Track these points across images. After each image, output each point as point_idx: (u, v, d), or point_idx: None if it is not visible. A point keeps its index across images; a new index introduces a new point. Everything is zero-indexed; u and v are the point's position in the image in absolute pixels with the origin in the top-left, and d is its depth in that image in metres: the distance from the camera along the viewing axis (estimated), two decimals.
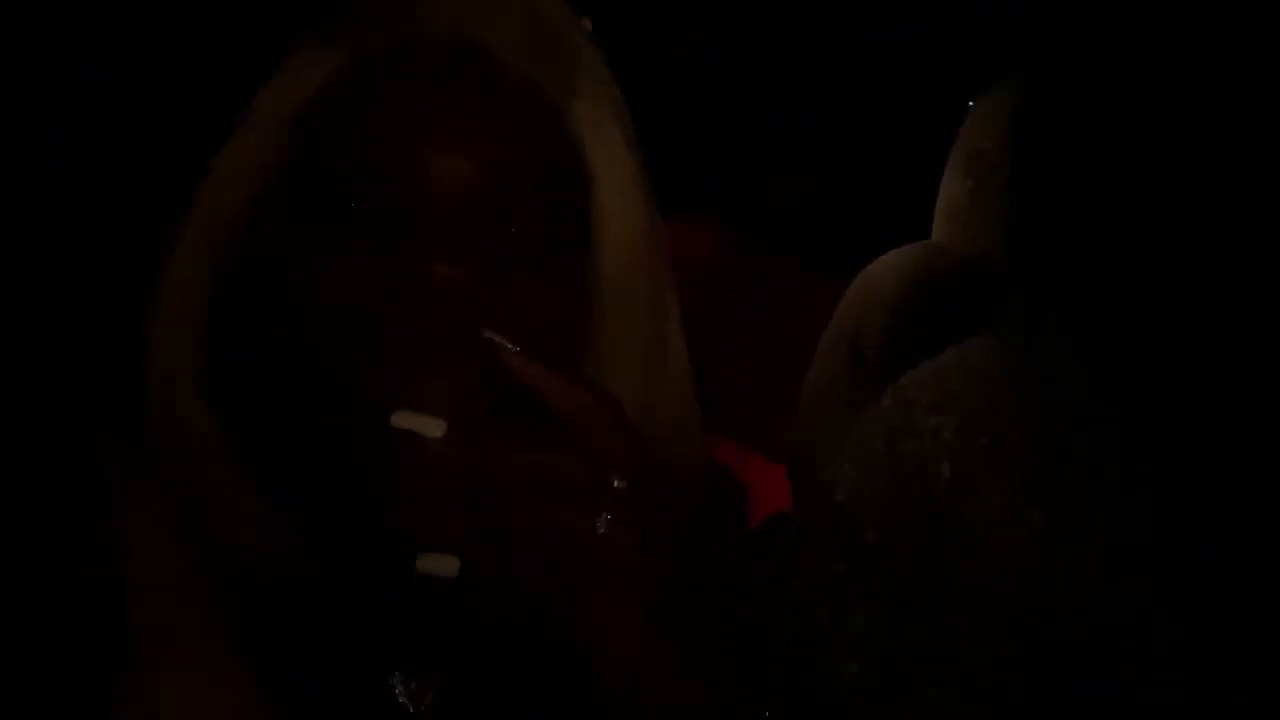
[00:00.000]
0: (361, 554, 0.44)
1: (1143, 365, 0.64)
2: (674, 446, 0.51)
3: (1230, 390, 0.59)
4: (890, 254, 1.03)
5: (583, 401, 0.42)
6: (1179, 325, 0.63)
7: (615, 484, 0.40)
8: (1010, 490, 0.64)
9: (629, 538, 0.40)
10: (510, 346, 0.42)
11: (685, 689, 0.41)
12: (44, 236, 0.62)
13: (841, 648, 0.67)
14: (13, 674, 0.41)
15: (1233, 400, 0.59)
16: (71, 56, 0.67)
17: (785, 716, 0.60)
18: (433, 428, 0.39)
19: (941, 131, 1.05)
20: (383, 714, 0.45)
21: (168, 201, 0.49)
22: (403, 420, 0.40)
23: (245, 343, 0.46)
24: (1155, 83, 0.82)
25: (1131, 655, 0.59)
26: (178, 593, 0.44)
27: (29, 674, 0.41)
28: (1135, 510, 0.60)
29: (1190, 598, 0.58)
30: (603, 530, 0.39)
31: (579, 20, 0.51)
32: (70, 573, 0.43)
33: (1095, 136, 0.96)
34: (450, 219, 0.44)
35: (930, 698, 0.63)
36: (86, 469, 0.45)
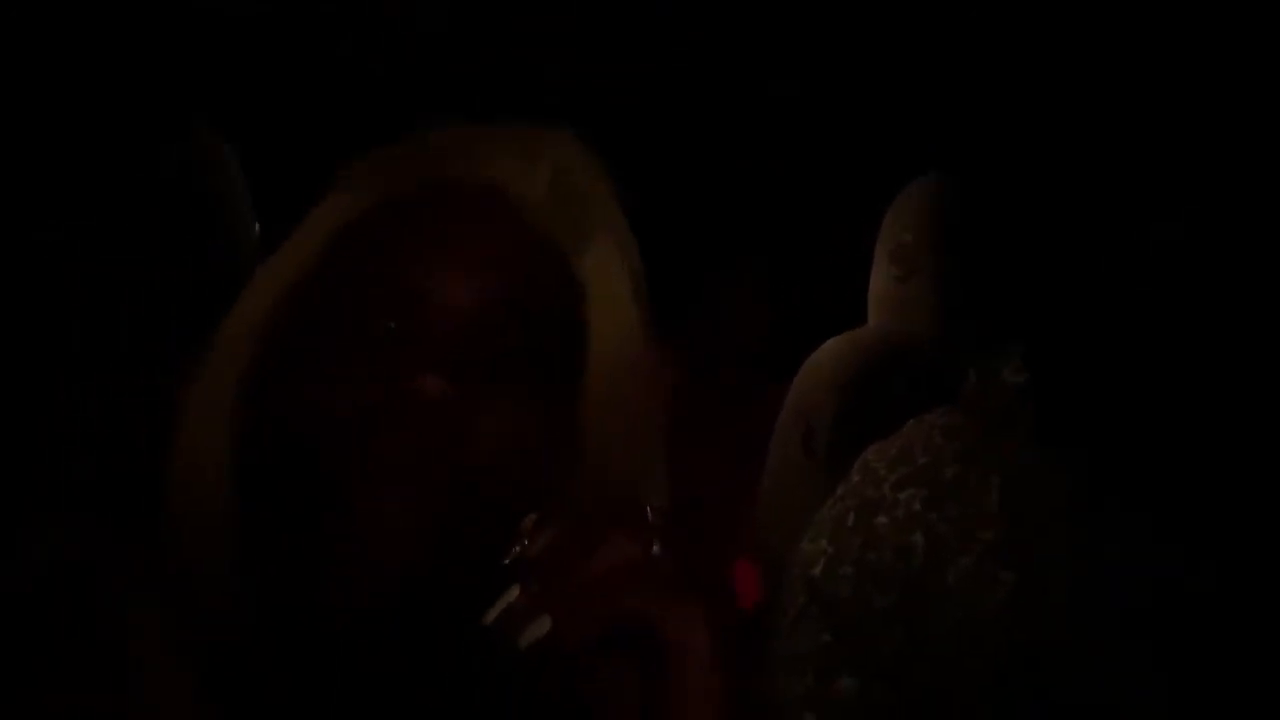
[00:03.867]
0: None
1: (1092, 428, 0.70)
2: None
3: (1184, 442, 0.65)
4: (830, 341, 1.09)
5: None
6: (1118, 385, 0.69)
7: (656, 522, 0.44)
8: (981, 555, 0.69)
9: (681, 560, 0.43)
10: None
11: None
12: (80, 346, 0.62)
13: (826, 716, 0.69)
14: None
15: (1190, 450, 0.65)
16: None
17: None
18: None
19: (867, 227, 1.13)
20: None
21: (204, 319, 0.51)
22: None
23: (262, 443, 0.48)
24: (1062, 174, 0.91)
25: (1104, 709, 0.63)
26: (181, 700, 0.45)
27: None
28: (1099, 566, 0.65)
29: (1159, 649, 0.62)
30: (658, 551, 0.43)
31: (604, 180, 0.55)
32: (75, 680, 0.44)
33: (1010, 223, 1.05)
34: (446, 344, 0.47)
35: None
36: (93, 577, 0.46)
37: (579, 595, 0.41)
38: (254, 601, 0.47)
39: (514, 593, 0.42)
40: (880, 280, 1.13)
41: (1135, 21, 0.73)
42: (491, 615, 0.41)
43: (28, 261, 0.66)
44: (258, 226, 0.75)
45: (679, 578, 0.43)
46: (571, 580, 0.41)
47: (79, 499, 0.49)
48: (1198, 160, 0.68)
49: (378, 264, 0.48)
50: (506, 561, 0.43)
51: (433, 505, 0.45)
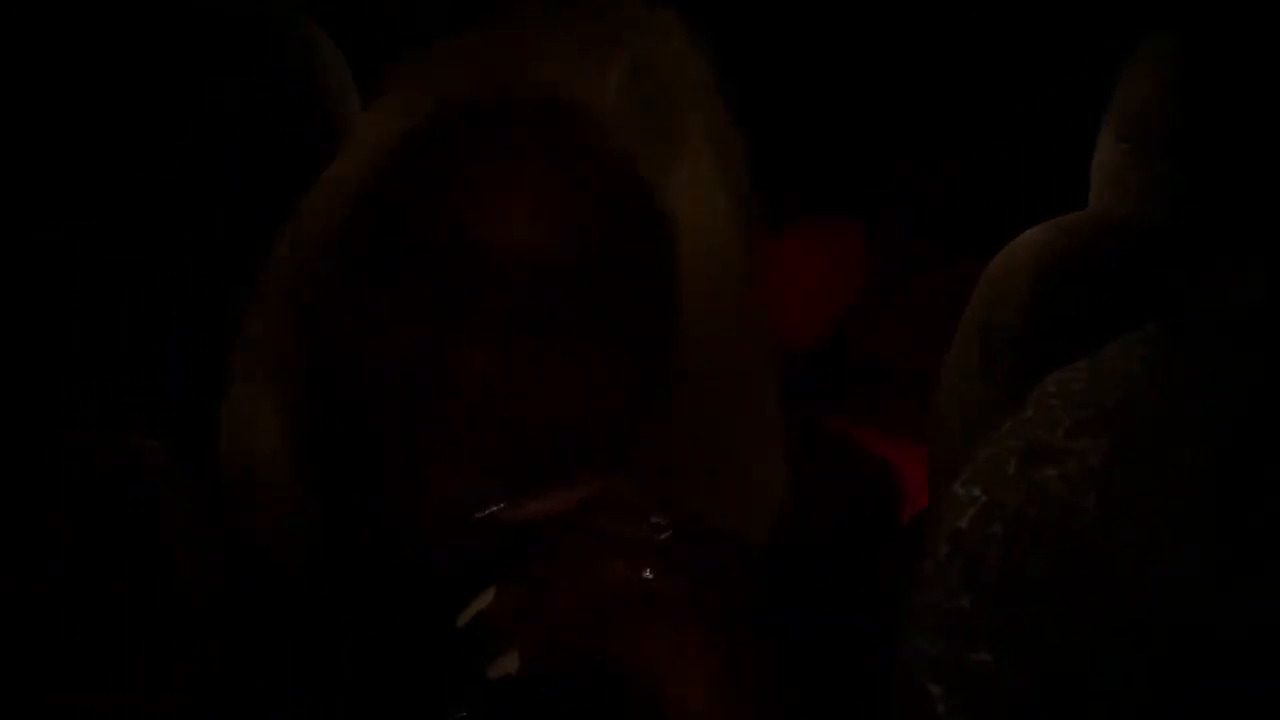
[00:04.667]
0: (401, 588, 0.44)
1: None
2: (752, 511, 0.49)
3: None
4: (1031, 230, 0.92)
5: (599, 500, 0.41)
6: None
7: (657, 539, 0.39)
8: (1162, 528, 0.56)
9: (677, 586, 0.39)
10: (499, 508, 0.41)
11: None
12: (127, 266, 0.63)
13: (954, 693, 0.61)
14: (63, 693, 0.42)
15: None
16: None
17: None
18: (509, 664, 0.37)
19: (1091, 96, 0.93)
20: None
21: (257, 233, 0.48)
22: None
23: (314, 384, 0.45)
24: None
25: None
26: (227, 619, 0.45)
27: (79, 691, 0.42)
28: None
29: None
30: (650, 577, 0.38)
31: (699, 61, 0.47)
32: (124, 595, 0.44)
33: (1268, 93, 0.83)
34: (504, 296, 0.42)
35: None
36: (147, 497, 0.46)
37: (554, 624, 0.37)
38: (317, 552, 0.46)
39: (489, 596, 0.38)
40: (1106, 156, 0.94)
41: None
42: (464, 619, 0.38)
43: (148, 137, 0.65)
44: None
45: (679, 611, 0.37)
46: (548, 605, 0.37)
47: (135, 412, 0.49)
48: None
49: (429, 201, 0.44)
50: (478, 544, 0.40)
51: (497, 466, 0.42)
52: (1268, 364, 0.60)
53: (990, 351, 0.90)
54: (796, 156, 1.48)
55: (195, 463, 0.47)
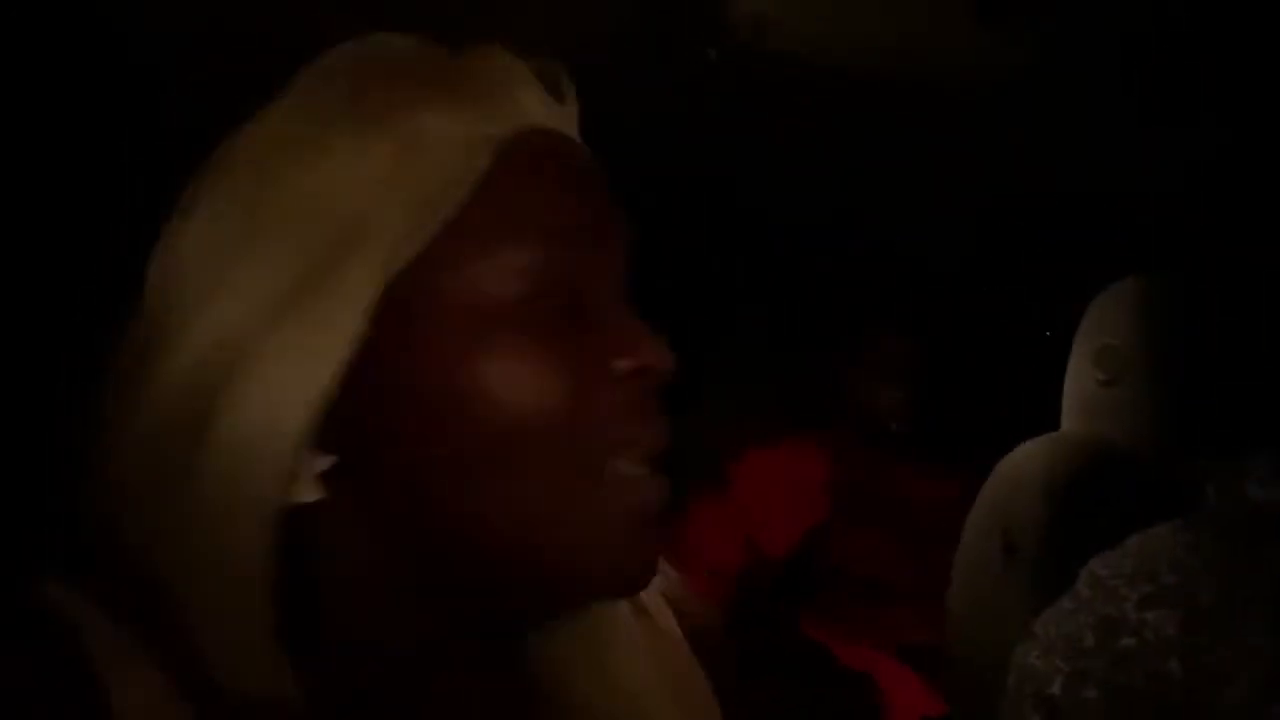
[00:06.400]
0: None
1: None
2: None
3: None
4: (1030, 444, 1.04)
5: None
6: None
7: None
8: (1252, 681, 0.63)
9: None
10: None
11: None
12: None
13: None
14: None
15: None
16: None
17: None
18: None
19: (1050, 327, 1.08)
20: None
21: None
22: None
23: None
24: None
25: None
26: None
27: None
28: None
29: None
30: None
31: None
32: None
33: (1232, 330, 0.99)
34: None
35: None
36: (71, 651, 0.41)
37: None
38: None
39: None
40: (1080, 383, 1.08)
41: None
42: None
43: None
44: None
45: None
46: None
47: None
48: None
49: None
50: None
51: None
52: None
53: (1012, 544, 0.99)
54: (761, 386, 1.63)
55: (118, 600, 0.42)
